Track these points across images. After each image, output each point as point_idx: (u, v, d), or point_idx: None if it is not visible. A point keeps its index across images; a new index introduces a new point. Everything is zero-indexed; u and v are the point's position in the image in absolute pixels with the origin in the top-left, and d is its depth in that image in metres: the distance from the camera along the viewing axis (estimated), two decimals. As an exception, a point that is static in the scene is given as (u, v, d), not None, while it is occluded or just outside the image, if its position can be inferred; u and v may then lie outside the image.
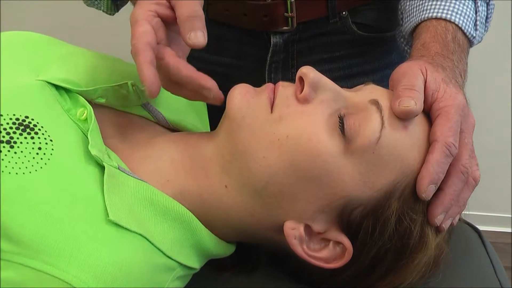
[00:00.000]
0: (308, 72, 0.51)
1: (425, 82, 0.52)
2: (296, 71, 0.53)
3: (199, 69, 0.75)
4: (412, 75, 0.52)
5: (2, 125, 0.49)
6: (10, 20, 1.50)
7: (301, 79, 0.52)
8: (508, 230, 1.80)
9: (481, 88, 1.49)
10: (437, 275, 0.55)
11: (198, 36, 0.50)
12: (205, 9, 0.75)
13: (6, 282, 0.44)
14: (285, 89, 0.53)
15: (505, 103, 1.62)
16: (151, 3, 0.52)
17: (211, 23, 0.75)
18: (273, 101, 0.52)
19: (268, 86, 0.54)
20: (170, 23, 0.52)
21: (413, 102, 0.49)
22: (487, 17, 0.68)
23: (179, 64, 0.51)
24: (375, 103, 0.51)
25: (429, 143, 0.51)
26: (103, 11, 0.76)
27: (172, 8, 0.52)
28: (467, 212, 0.56)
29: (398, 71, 0.54)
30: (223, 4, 0.74)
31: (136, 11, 0.52)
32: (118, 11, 0.76)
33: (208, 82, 0.52)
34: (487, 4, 0.68)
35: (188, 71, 0.51)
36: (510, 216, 1.80)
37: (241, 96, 0.53)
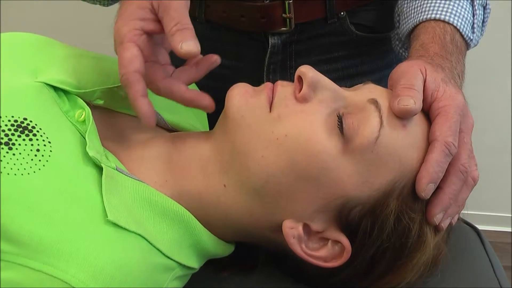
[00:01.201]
0: (307, 71, 0.51)
1: (425, 81, 0.52)
2: (295, 72, 0.53)
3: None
4: (411, 75, 0.52)
5: (0, 127, 0.49)
6: (10, 20, 1.51)
7: (300, 79, 0.52)
8: (508, 229, 1.80)
9: (481, 88, 1.49)
10: (435, 275, 0.55)
11: (190, 45, 0.49)
12: (203, 11, 0.75)
13: (6, 283, 0.44)
14: (284, 88, 0.53)
15: (505, 103, 1.62)
16: (137, 19, 0.51)
17: (208, 25, 0.76)
18: (272, 101, 0.52)
19: (267, 85, 0.54)
20: (156, 34, 0.52)
21: (412, 101, 0.50)
22: (483, 21, 0.69)
23: (171, 86, 0.52)
24: (374, 102, 0.51)
25: (428, 142, 0.51)
26: (99, 2, 0.74)
27: (158, 21, 0.51)
28: (467, 212, 0.56)
29: (397, 71, 0.54)
30: (220, 6, 0.74)
31: (120, 28, 0.51)
32: (113, 2, 0.74)
33: (206, 100, 0.53)
34: (484, 8, 0.69)
35: (180, 92, 0.52)
36: (510, 215, 1.80)
37: (240, 95, 0.53)
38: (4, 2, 1.51)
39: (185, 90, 0.53)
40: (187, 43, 0.49)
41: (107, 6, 0.74)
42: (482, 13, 0.68)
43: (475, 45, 0.67)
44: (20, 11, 1.53)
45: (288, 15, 0.72)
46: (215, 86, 0.71)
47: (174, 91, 0.52)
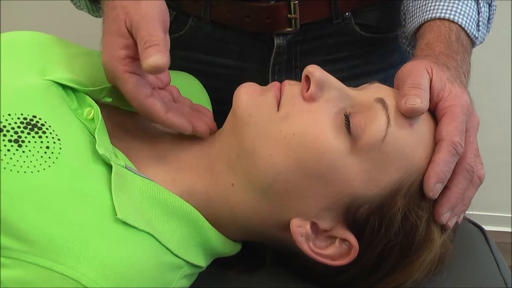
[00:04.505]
0: (314, 71, 0.52)
1: (431, 81, 0.52)
2: (300, 73, 0.54)
3: (202, 71, 0.75)
4: (418, 74, 0.52)
5: (10, 124, 0.49)
6: (10, 20, 1.50)
7: (307, 78, 0.52)
8: (509, 229, 1.80)
9: (481, 88, 1.49)
10: (441, 273, 0.55)
11: (153, 59, 0.48)
12: (208, 11, 0.75)
13: (16, 281, 0.44)
14: (291, 87, 0.53)
15: (505, 103, 1.63)
16: (120, 48, 0.52)
17: (214, 26, 0.76)
18: (280, 100, 0.53)
19: (275, 84, 0.54)
20: None
21: (419, 100, 0.50)
22: (489, 18, 0.69)
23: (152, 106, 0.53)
24: (381, 101, 0.51)
25: (435, 142, 0.51)
26: (88, 12, 0.75)
27: None
28: (469, 212, 0.56)
29: (403, 70, 0.54)
30: (226, 7, 0.74)
31: (107, 63, 0.52)
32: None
33: (185, 125, 0.55)
34: (489, 5, 0.69)
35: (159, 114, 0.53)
36: (510, 215, 1.80)
37: (248, 94, 0.53)
38: (4, 2, 1.50)
39: (164, 113, 0.53)
40: (151, 59, 0.48)
41: (98, 16, 0.74)
42: (488, 10, 0.68)
43: (481, 42, 0.67)
44: (21, 11, 1.53)
45: (293, 15, 0.72)
46: (220, 86, 0.71)
47: (153, 112, 0.53)
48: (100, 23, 0.71)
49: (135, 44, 0.51)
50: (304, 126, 0.50)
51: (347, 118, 0.50)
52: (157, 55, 0.49)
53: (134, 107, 0.53)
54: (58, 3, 1.50)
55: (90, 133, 0.53)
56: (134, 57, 0.52)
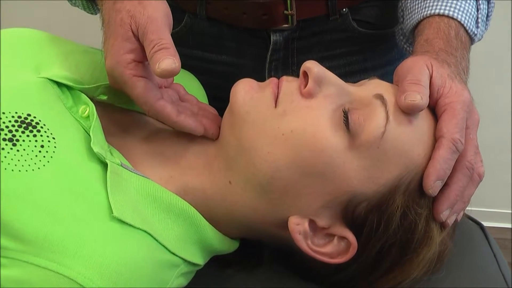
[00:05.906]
0: (312, 66, 0.51)
1: (431, 77, 0.52)
2: (297, 69, 0.53)
3: (198, 68, 0.75)
4: (418, 70, 0.52)
5: (4, 123, 0.48)
6: (10, 19, 1.50)
7: (305, 74, 0.52)
8: (508, 226, 1.81)
9: (482, 84, 1.49)
10: (441, 271, 0.55)
11: (165, 63, 0.49)
12: (204, 8, 0.75)
13: (12, 281, 0.44)
14: (289, 83, 0.53)
15: (505, 101, 1.63)
16: (126, 53, 0.51)
17: (210, 22, 0.76)
18: (277, 96, 0.52)
19: (272, 80, 0.53)
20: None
21: (419, 97, 0.49)
22: (487, 15, 0.69)
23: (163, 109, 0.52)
24: (380, 97, 0.51)
25: (435, 138, 0.51)
26: (83, 9, 0.74)
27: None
28: (468, 208, 0.56)
29: (403, 66, 0.54)
30: (222, 3, 0.74)
31: (114, 68, 0.51)
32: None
33: (198, 128, 0.54)
34: (488, 2, 0.69)
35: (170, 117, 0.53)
36: (510, 212, 1.80)
37: (245, 91, 0.53)
38: (4, 2, 1.50)
39: (175, 116, 0.53)
40: (163, 62, 0.48)
41: (95, 14, 0.73)
42: (486, 7, 0.68)
43: (480, 40, 0.67)
44: (20, 10, 1.53)
45: (290, 12, 0.72)
46: (217, 83, 0.71)
47: (164, 115, 0.53)
48: (97, 21, 0.71)
49: (141, 47, 0.51)
50: (302, 123, 0.50)
51: (345, 115, 0.50)
52: (169, 59, 0.49)
53: (144, 110, 0.53)
54: (58, 3, 1.50)
55: (85, 131, 0.53)
56: (140, 61, 0.52)
